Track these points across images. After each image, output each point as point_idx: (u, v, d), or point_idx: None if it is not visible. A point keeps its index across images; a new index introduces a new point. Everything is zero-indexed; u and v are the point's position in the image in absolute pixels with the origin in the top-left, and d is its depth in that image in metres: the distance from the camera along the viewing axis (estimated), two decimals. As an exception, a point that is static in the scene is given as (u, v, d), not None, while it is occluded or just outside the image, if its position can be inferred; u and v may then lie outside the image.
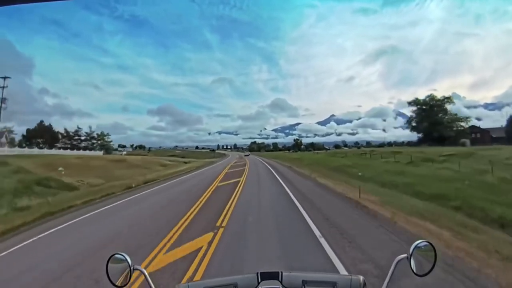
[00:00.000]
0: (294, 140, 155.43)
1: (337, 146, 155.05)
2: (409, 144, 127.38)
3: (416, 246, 1.14)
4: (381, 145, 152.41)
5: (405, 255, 1.15)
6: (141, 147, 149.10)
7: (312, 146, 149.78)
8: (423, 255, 1.14)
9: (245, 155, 69.83)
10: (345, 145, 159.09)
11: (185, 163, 41.59)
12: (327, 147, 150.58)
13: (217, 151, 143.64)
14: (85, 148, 48.08)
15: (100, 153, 44.95)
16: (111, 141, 53.79)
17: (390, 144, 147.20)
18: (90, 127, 51.33)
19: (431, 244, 1.15)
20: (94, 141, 51.88)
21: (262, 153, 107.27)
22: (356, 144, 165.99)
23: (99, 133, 52.16)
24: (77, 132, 51.40)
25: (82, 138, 51.54)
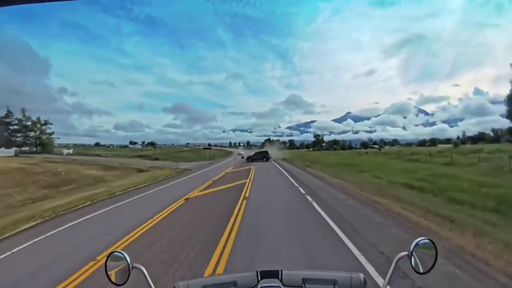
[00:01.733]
0: (315, 136, 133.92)
1: (364, 144, 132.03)
2: (463, 141, 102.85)
3: (416, 244, 1.13)
4: (421, 143, 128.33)
5: (406, 252, 1.14)
6: (152, 144, 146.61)
7: (336, 144, 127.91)
8: (423, 252, 1.13)
9: (240, 156, 44.58)
10: (375, 143, 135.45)
11: (141, 171, 22.98)
12: (354, 145, 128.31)
13: (227, 148, 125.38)
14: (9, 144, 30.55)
15: (12, 151, 26.99)
16: (51, 134, 36.25)
17: (426, 142, 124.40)
18: (23, 110, 33.86)
19: (431, 241, 1.13)
20: (31, 133, 34.21)
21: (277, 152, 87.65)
22: (380, 142, 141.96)
23: (36, 120, 34.38)
24: (6, 118, 33.89)
25: (14, 127, 34.10)
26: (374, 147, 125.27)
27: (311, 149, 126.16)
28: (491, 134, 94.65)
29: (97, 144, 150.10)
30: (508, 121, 42.41)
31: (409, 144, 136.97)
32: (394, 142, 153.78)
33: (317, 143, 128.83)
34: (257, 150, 40.80)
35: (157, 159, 38.36)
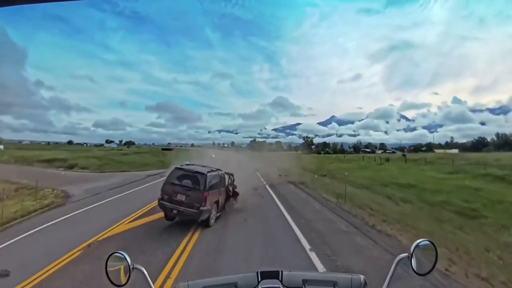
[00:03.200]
0: (304, 138, 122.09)
1: (356, 148, 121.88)
2: (466, 147, 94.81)
3: (417, 245, 1.11)
4: (417, 148, 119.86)
5: (406, 254, 1.12)
6: (130, 143, 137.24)
7: (326, 147, 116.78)
8: (423, 254, 1.09)
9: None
10: (366, 147, 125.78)
11: None
12: (347, 149, 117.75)
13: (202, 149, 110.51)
14: None
15: None
16: None
17: (418, 147, 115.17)
18: None
19: (432, 243, 1.11)
20: None
21: (264, 156, 74.26)
22: (367, 146, 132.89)
23: None
24: None
25: None
26: (366, 151, 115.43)
27: (299, 151, 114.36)
28: (495, 139, 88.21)
29: (69, 143, 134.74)
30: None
31: (400, 148, 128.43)
32: (382, 147, 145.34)
33: (306, 146, 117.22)
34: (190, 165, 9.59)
35: (71, 167, 23.69)
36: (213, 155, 46.85)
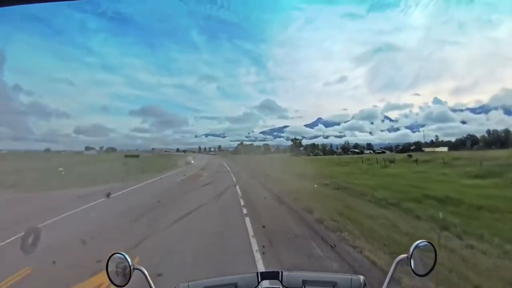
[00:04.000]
0: (292, 140, 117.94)
1: (344, 148, 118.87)
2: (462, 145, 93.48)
3: (416, 246, 1.10)
4: (406, 146, 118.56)
5: (405, 255, 1.11)
6: (112, 149, 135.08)
7: (315, 148, 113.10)
8: (422, 255, 1.09)
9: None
10: (354, 147, 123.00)
11: None
12: (335, 149, 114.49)
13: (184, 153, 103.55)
14: None
15: None
16: None
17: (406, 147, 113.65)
18: None
19: (431, 244, 1.11)
20: None
21: (251, 160, 68.67)
22: (355, 146, 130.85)
23: None
24: None
25: None
26: (355, 151, 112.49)
27: (288, 153, 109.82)
28: (486, 136, 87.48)
29: (47, 150, 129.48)
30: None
31: (388, 148, 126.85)
32: (368, 147, 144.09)
33: (295, 148, 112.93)
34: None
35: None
36: (192, 161, 40.73)
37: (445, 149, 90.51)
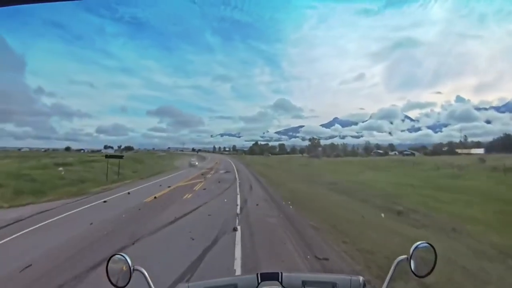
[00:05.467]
0: (310, 140, 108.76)
1: (367, 149, 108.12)
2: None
3: (416, 247, 1.09)
4: (437, 147, 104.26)
5: (405, 256, 1.10)
6: (129, 148, 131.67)
7: (334, 149, 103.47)
8: (422, 256, 1.09)
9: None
10: (378, 148, 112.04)
11: None
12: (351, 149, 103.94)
13: (201, 153, 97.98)
14: None
15: None
16: None
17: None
18: None
19: (431, 245, 1.10)
20: None
21: (268, 160, 61.24)
22: (378, 147, 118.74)
23: None
24: None
25: None
26: (379, 152, 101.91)
27: (305, 154, 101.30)
28: None
29: (67, 149, 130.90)
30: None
31: (413, 149, 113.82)
32: (390, 148, 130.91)
33: (312, 148, 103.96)
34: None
35: None
36: (197, 163, 34.05)
37: (480, 150, 78.23)
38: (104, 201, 11.20)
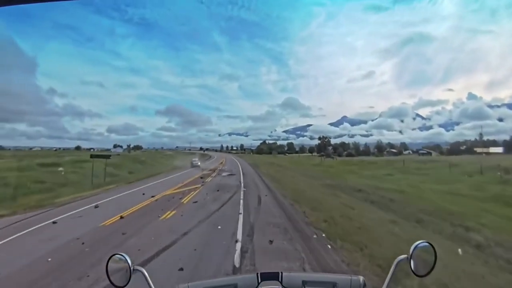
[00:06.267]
0: (320, 138, 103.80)
1: (380, 148, 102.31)
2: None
3: (416, 247, 1.07)
4: (454, 147, 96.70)
5: (405, 255, 1.08)
6: (138, 147, 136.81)
7: (345, 148, 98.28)
8: (422, 255, 1.07)
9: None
10: (392, 147, 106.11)
11: None
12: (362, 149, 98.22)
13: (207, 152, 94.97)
14: None
15: None
16: None
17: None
18: None
19: (431, 244, 1.08)
20: None
21: (277, 160, 57.35)
22: (392, 146, 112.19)
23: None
24: None
25: None
26: (393, 152, 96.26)
27: (319, 154, 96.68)
28: None
29: (77, 148, 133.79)
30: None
31: (429, 148, 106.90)
32: (403, 146, 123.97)
33: (322, 147, 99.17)
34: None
35: None
36: (199, 163, 30.64)
37: (499, 149, 71.54)
38: (54, 222, 7.81)
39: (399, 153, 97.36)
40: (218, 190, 12.66)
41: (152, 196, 11.53)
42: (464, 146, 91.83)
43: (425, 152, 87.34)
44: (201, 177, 18.59)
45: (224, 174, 20.75)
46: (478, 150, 74.56)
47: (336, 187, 14.85)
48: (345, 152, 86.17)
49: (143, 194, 12.28)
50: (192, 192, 12.43)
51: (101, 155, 19.43)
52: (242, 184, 15.04)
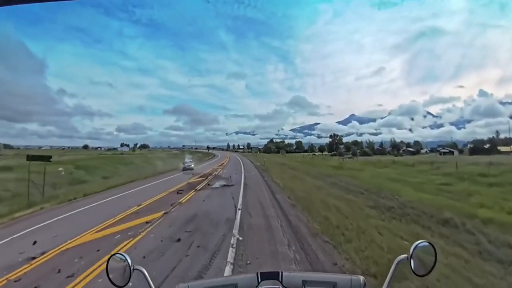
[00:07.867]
0: (331, 136, 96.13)
1: (395, 147, 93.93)
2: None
3: (416, 246, 1.05)
4: (477, 146, 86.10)
5: (405, 255, 1.06)
6: (145, 146, 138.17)
7: (358, 146, 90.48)
8: (422, 255, 1.06)
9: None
10: (408, 146, 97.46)
11: None
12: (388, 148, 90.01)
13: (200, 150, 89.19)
14: None
15: None
16: None
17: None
18: None
19: (431, 244, 1.06)
20: None
21: (287, 160, 50.58)
22: (408, 145, 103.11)
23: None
24: None
25: None
26: (410, 151, 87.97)
27: (325, 153, 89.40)
28: None
29: (85, 147, 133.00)
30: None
31: (448, 146, 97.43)
32: (416, 145, 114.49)
33: (333, 145, 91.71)
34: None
35: None
36: (192, 165, 24.25)
37: None
38: None
39: (417, 152, 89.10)
40: (178, 240, 6.01)
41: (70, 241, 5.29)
42: (488, 145, 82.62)
43: (446, 151, 78.73)
44: (179, 191, 12.26)
45: (216, 184, 14.36)
46: (502, 149, 66.22)
47: (406, 216, 8.23)
48: (359, 151, 78.50)
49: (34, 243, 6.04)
50: (125, 242, 6.06)
51: (38, 157, 13.30)
52: (239, 213, 8.52)
